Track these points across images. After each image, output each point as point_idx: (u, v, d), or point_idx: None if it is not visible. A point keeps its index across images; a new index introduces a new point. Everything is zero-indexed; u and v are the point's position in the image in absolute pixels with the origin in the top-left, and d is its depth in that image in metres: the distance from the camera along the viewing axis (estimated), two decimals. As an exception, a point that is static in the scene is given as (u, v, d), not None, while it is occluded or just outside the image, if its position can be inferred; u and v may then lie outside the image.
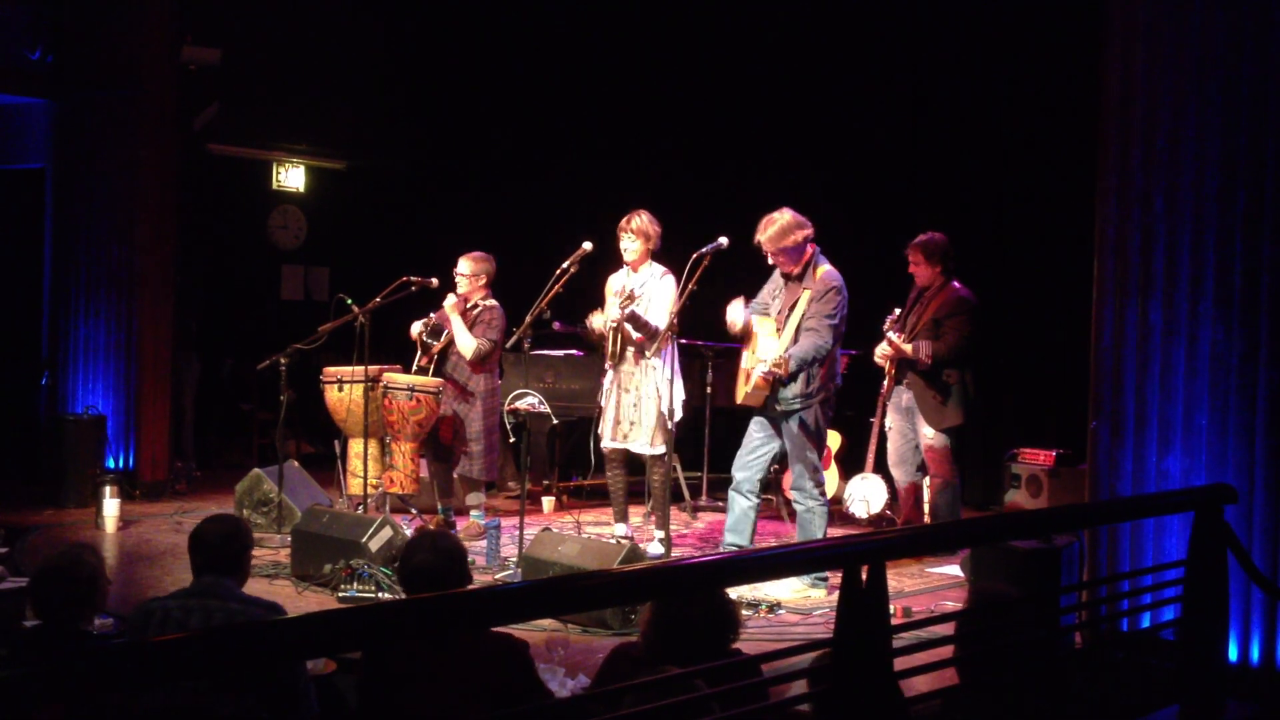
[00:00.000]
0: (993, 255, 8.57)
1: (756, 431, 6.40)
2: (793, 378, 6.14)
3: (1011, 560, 5.14)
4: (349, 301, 7.21)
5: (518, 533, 6.49)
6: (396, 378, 7.30)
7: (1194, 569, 3.95)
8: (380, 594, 5.91)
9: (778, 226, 6.21)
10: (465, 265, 7.54)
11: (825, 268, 6.27)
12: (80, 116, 9.06)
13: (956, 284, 7.14)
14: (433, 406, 7.28)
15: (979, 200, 8.81)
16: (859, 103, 9.34)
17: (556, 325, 8.90)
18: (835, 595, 3.00)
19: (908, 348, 7.01)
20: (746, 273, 6.70)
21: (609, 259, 7.11)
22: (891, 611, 3.67)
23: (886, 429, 7.36)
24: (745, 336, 6.40)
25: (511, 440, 7.06)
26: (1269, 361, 4.79)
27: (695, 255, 6.34)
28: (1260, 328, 4.81)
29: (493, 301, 7.51)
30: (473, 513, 7.50)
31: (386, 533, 6.17)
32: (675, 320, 6.54)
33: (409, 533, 6.62)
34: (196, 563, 3.89)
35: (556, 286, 6.64)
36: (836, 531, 7.61)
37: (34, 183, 9.36)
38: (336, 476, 7.80)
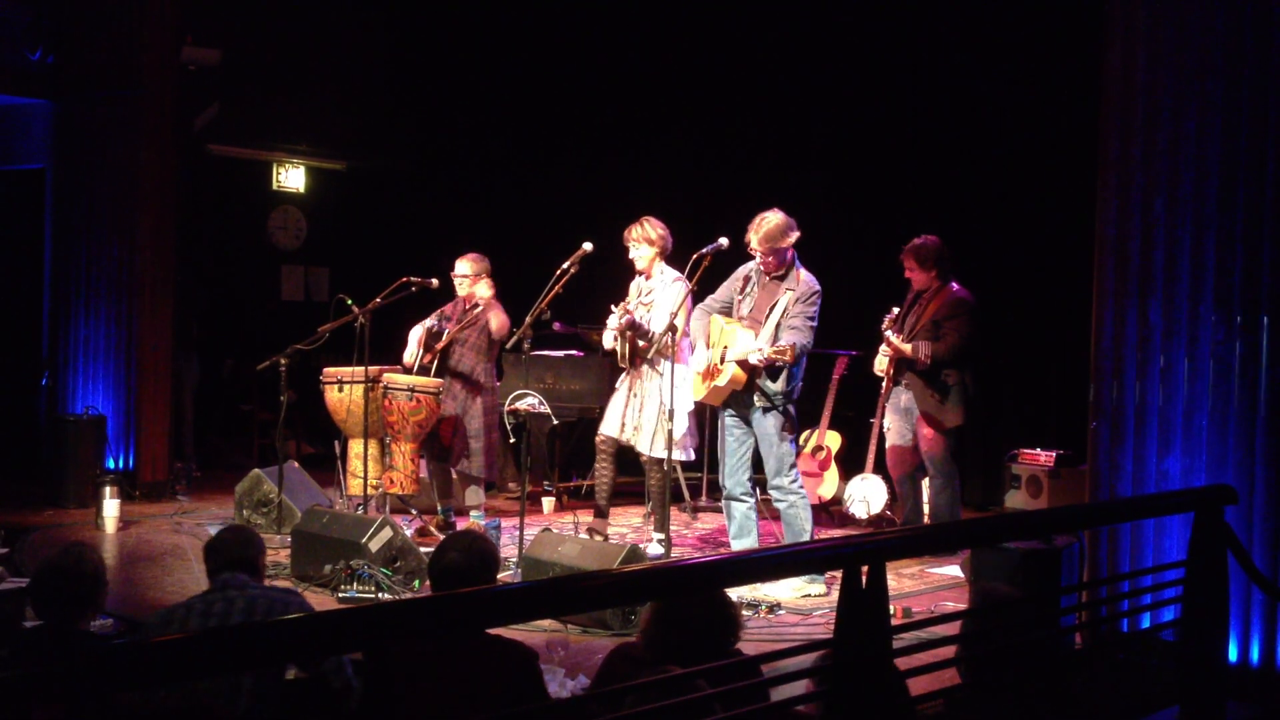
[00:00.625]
0: (993, 255, 8.56)
1: (733, 431, 6.42)
2: (778, 373, 6.18)
3: (1012, 561, 5.14)
4: (349, 302, 7.20)
5: (518, 533, 6.50)
6: (396, 378, 7.30)
7: (1194, 570, 3.95)
8: (380, 594, 5.91)
9: (773, 226, 6.22)
10: (464, 266, 7.54)
11: (804, 270, 6.34)
12: (80, 117, 9.07)
13: (955, 285, 7.13)
14: (433, 407, 7.28)
15: (979, 200, 8.80)
16: (859, 103, 9.34)
17: (557, 326, 8.90)
18: (835, 595, 3.00)
19: (906, 348, 7.01)
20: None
21: (609, 259, 7.12)
22: (891, 612, 3.67)
23: (885, 430, 7.36)
24: (704, 337, 6.43)
25: (511, 440, 7.05)
26: (1269, 362, 4.79)
27: (695, 255, 6.37)
28: (1260, 328, 4.81)
29: (490, 292, 7.52)
30: (473, 513, 7.50)
31: (386, 533, 6.17)
32: (679, 324, 6.56)
33: (409, 533, 6.63)
34: (212, 567, 3.90)
35: (556, 287, 6.63)
36: (837, 531, 7.63)
37: (34, 183, 9.37)
38: (336, 477, 7.80)
